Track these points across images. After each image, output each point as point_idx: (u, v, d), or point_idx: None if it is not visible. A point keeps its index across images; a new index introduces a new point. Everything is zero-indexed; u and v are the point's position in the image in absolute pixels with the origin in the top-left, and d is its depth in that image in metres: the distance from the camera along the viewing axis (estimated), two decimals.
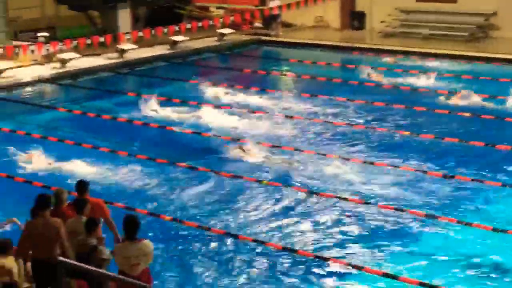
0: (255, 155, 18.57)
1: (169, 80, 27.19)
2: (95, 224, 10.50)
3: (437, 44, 31.23)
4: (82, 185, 11.78)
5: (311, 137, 20.25)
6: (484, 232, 14.25)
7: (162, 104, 23.14)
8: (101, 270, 7.49)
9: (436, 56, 29.64)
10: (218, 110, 22.49)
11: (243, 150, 18.74)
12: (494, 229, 14.26)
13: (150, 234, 13.46)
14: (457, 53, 29.70)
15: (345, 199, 15.88)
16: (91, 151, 19.05)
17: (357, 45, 32.15)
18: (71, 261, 7.61)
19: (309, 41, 33.45)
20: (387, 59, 29.61)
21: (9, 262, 10.46)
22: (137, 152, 18.92)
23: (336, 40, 33.38)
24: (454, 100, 23.21)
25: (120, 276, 8.75)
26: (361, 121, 21.59)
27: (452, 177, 16.93)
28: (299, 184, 16.79)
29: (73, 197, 11.94)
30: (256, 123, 21.52)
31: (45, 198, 10.84)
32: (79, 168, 17.65)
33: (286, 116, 22.13)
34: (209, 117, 21.86)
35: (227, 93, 24.55)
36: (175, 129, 20.99)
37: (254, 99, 24.03)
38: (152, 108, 22.64)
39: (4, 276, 10.29)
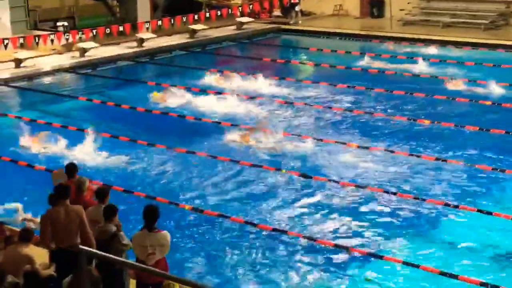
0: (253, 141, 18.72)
1: (188, 69, 27.16)
2: (114, 212, 10.53)
3: (457, 32, 31.03)
4: (71, 167, 12.08)
5: (329, 126, 20.24)
6: (505, 221, 14.20)
7: (181, 93, 23.20)
8: (119, 258, 7.51)
9: (456, 44, 29.46)
10: (236, 98, 22.47)
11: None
12: None
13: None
14: (477, 40, 29.49)
15: (364, 187, 15.85)
16: (109, 140, 19.13)
17: (376, 33, 32.00)
18: (93, 250, 7.65)
19: (329, 30, 33.34)
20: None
21: (31, 250, 10.55)
22: (156, 141, 18.94)
23: (356, 29, 33.26)
24: (453, 86, 23.31)
25: (138, 264, 8.77)
26: (379, 109, 21.56)
27: (472, 165, 16.85)
28: (317, 174, 16.77)
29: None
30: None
31: (64, 187, 10.92)
32: (97, 157, 17.76)
33: (306, 104, 22.17)
34: (230, 106, 21.91)
35: (243, 81, 24.58)
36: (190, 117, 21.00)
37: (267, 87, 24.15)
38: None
39: (25, 264, 10.37)
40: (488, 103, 21.73)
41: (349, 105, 22.09)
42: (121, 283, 10.35)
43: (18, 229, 11.29)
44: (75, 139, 18.97)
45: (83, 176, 12.01)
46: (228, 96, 22.56)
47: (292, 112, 21.62)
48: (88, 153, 17.99)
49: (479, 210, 14.56)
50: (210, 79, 25.09)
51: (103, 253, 6.97)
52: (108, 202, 11.04)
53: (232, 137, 19.17)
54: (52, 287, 10.02)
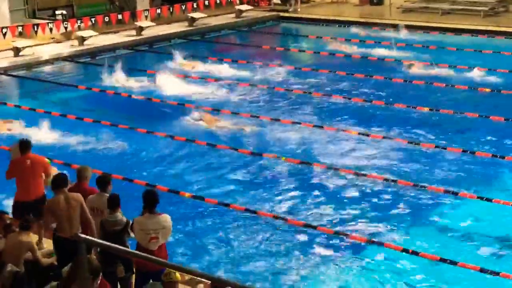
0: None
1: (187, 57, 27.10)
2: (119, 201, 10.52)
3: (456, 19, 30.97)
4: (25, 144, 12.35)
5: (330, 115, 20.25)
6: (505, 208, 14.21)
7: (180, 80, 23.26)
8: (121, 247, 7.50)
9: (456, 31, 29.40)
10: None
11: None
12: None
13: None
14: (476, 27, 29.43)
15: (364, 175, 15.86)
16: (110, 128, 19.14)
17: (376, 20, 31.92)
18: (93, 238, 7.66)
19: (328, 17, 33.25)
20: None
21: (31, 238, 10.57)
22: (154, 129, 18.96)
23: (355, 16, 33.17)
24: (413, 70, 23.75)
25: (141, 253, 8.76)
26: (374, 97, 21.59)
27: (473, 152, 16.86)
28: (316, 161, 16.79)
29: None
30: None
31: (62, 177, 10.98)
32: (97, 145, 17.80)
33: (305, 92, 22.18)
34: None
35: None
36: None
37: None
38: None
39: (26, 253, 10.39)
40: (488, 90, 21.72)
41: (346, 92, 22.10)
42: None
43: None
44: (72, 127, 19.05)
45: (84, 165, 11.96)
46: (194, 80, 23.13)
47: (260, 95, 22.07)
48: (84, 140, 18.14)
49: (479, 197, 14.57)
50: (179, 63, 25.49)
51: (103, 242, 6.95)
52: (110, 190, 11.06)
53: (195, 118, 19.71)
54: (53, 276, 10.03)
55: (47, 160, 13.34)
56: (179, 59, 25.67)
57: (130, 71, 24.57)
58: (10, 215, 12.00)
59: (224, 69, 24.79)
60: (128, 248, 9.88)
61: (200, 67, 25.16)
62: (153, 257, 6.49)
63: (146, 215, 10.14)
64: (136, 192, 11.63)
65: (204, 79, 23.72)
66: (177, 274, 9.32)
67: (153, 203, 10.14)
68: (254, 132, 18.74)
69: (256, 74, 24.26)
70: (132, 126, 19.26)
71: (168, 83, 22.78)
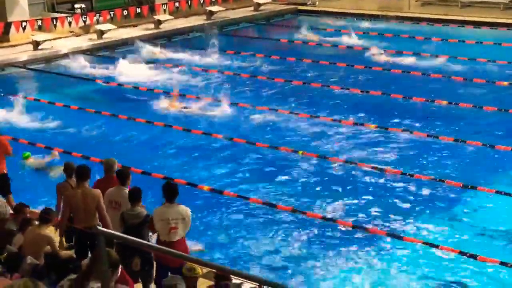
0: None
1: (204, 51, 27.09)
2: (140, 195, 10.54)
3: (475, 12, 30.78)
4: None
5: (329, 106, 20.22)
6: None
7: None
8: (141, 240, 7.51)
9: (475, 24, 29.23)
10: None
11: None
12: None
13: None
14: (496, 20, 29.23)
15: (381, 169, 15.82)
16: (126, 123, 19.26)
17: (395, 13, 31.77)
18: (111, 231, 7.69)
19: (347, 10, 33.14)
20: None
21: (50, 231, 10.62)
22: (174, 124, 19.04)
23: (374, 9, 33.03)
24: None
25: (161, 247, 8.78)
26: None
27: (493, 146, 16.77)
28: (330, 153, 16.78)
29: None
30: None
31: (84, 169, 10.99)
32: (111, 138, 18.04)
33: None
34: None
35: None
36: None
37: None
38: None
39: (45, 245, 10.44)
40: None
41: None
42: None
43: (38, 211, 11.33)
44: (89, 121, 19.17)
45: (111, 158, 11.98)
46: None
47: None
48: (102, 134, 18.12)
49: (497, 192, 14.50)
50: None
51: (120, 234, 7.00)
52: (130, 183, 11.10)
53: (162, 103, 20.58)
54: (72, 268, 10.06)
55: (6, 140, 14.12)
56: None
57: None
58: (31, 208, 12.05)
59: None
60: (149, 241, 9.92)
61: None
62: (170, 249, 6.51)
63: (165, 204, 10.20)
64: None
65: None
66: (199, 269, 9.31)
67: (172, 194, 10.18)
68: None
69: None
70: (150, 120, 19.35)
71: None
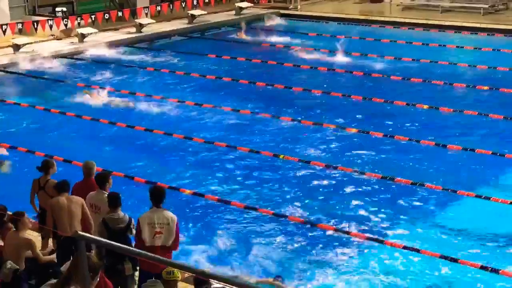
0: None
1: (186, 55, 27.09)
2: (120, 200, 10.53)
3: (456, 17, 30.97)
4: None
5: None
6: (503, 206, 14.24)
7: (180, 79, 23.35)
8: (123, 246, 7.48)
9: (455, 28, 29.40)
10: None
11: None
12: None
13: None
14: (476, 25, 29.43)
15: (362, 172, 15.87)
16: (107, 126, 19.27)
17: (376, 18, 31.91)
18: (93, 236, 7.67)
19: (328, 15, 33.22)
20: None
21: (29, 236, 10.57)
22: (156, 128, 19.04)
23: (356, 13, 33.17)
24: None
25: (143, 252, 8.75)
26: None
27: (473, 150, 16.85)
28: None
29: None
30: None
31: (66, 183, 11.13)
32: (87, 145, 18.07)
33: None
34: None
35: None
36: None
37: None
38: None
39: (26, 249, 10.39)
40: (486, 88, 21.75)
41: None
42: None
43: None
44: (73, 125, 19.09)
45: (91, 160, 11.97)
46: None
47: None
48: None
49: (477, 196, 14.58)
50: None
51: (104, 240, 6.98)
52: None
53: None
54: (52, 273, 10.04)
55: None
56: None
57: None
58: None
59: None
60: (131, 245, 9.92)
61: None
62: (159, 257, 6.52)
63: (152, 209, 10.22)
64: None
65: None
66: (178, 273, 9.30)
67: (159, 198, 10.19)
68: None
69: None
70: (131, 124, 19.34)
71: None
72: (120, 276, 10.16)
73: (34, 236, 11.37)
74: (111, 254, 10.01)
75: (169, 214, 10.22)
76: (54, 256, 10.96)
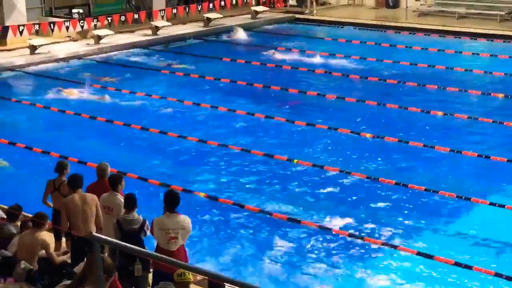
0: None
1: (202, 58, 27.12)
2: (135, 201, 10.54)
3: (472, 23, 30.87)
4: None
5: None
6: None
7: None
8: (138, 248, 7.50)
9: (471, 35, 29.32)
10: None
11: None
12: None
13: None
14: (493, 32, 29.33)
15: (376, 178, 15.83)
16: (121, 128, 19.34)
17: (391, 23, 31.87)
18: (108, 238, 7.68)
19: (344, 20, 33.19)
20: None
21: (45, 235, 10.61)
22: (170, 130, 19.06)
23: (371, 19, 33.13)
24: None
25: (158, 254, 8.78)
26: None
27: (488, 157, 16.79)
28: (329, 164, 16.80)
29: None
30: None
31: (79, 177, 11.11)
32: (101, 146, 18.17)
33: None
34: None
35: None
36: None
37: None
38: None
39: (40, 250, 10.43)
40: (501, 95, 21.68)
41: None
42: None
43: (31, 215, 11.35)
44: (83, 127, 19.16)
45: (105, 162, 12.00)
46: None
47: None
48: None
49: (491, 203, 14.52)
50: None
51: (119, 242, 7.01)
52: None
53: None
54: (66, 274, 10.06)
55: None
56: None
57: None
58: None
59: None
60: (144, 247, 9.92)
61: None
62: (172, 259, 6.51)
63: (166, 214, 10.17)
64: None
65: None
66: (190, 275, 9.31)
67: (173, 203, 10.14)
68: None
69: None
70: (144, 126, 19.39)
71: None
72: (132, 277, 10.17)
73: (48, 237, 11.38)
74: (123, 255, 10.03)
75: (183, 218, 10.17)
76: (67, 256, 10.99)
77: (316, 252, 13.05)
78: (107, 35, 28.74)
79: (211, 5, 32.40)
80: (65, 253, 11.25)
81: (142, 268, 10.22)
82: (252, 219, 14.31)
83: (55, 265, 10.54)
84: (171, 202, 10.16)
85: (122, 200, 10.75)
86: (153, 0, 33.05)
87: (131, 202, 10.43)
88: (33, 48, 26.88)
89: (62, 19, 29.28)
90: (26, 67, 25.91)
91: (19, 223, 11.15)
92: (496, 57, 26.03)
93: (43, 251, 10.47)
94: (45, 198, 12.07)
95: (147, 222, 10.33)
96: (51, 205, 12.04)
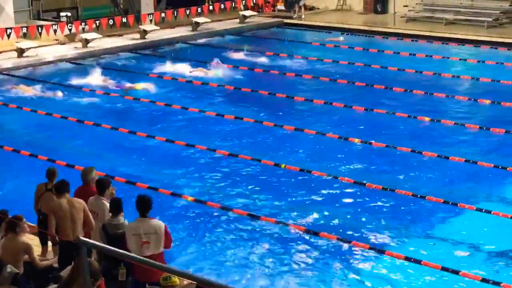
0: None
1: (190, 61, 27.10)
2: (121, 206, 10.52)
3: (460, 30, 30.98)
4: None
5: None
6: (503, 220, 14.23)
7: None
8: (120, 251, 7.47)
9: (459, 41, 29.44)
10: None
11: None
12: None
13: None
14: (480, 38, 29.45)
15: (363, 183, 15.85)
16: (110, 132, 19.30)
17: (379, 29, 31.96)
18: (94, 242, 7.66)
19: (332, 25, 33.23)
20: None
21: (25, 239, 10.56)
22: (157, 134, 19.04)
23: (359, 24, 33.20)
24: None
25: (140, 257, 8.76)
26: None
27: (475, 162, 16.85)
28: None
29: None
30: None
31: (65, 183, 11.10)
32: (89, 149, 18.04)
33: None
34: None
35: None
36: None
37: None
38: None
39: (24, 254, 10.39)
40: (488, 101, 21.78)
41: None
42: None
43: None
44: (73, 130, 19.11)
45: (89, 167, 11.97)
46: None
47: None
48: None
49: (478, 209, 14.57)
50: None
51: (105, 245, 6.99)
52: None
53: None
54: (52, 277, 10.03)
55: None
56: None
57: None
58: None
59: None
60: (129, 251, 9.89)
61: None
62: (159, 263, 6.51)
63: (137, 219, 10.16)
64: None
65: None
66: (176, 278, 9.30)
67: (145, 208, 10.10)
68: None
69: None
70: (133, 130, 19.38)
71: None
72: (117, 281, 10.14)
73: (32, 239, 11.35)
74: (107, 259, 10.01)
75: (156, 222, 10.12)
76: (52, 261, 10.94)
77: (303, 255, 13.06)
78: (95, 38, 28.69)
79: (199, 9, 32.40)
80: (51, 258, 11.20)
81: (127, 273, 10.20)
82: (238, 222, 14.31)
83: (38, 269, 10.50)
84: (143, 207, 10.11)
85: (108, 205, 10.74)
86: (142, 4, 33.06)
87: (116, 207, 10.41)
88: (20, 51, 26.81)
89: (50, 23, 29.23)
90: (14, 70, 25.83)
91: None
92: (483, 63, 26.13)
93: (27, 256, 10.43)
94: (37, 202, 11.95)
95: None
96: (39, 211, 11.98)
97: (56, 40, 28.99)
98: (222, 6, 33.19)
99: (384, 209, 14.84)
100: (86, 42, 28.49)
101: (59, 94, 22.96)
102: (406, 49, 28.47)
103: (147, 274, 9.89)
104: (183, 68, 25.70)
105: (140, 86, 23.51)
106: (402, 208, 14.88)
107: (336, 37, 29.51)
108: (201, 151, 17.95)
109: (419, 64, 25.95)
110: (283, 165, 16.89)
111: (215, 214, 14.69)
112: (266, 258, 13.03)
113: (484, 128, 19.26)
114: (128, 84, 23.65)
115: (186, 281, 10.35)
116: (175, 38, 30.90)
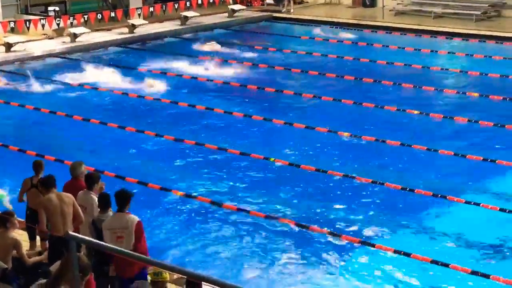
0: None
1: (178, 56, 27.04)
2: (109, 201, 10.49)
3: (448, 23, 31.02)
4: None
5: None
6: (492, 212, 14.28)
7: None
8: (108, 245, 7.46)
9: (447, 34, 29.46)
10: None
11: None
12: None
13: None
14: (469, 31, 29.48)
15: (353, 177, 15.86)
16: (98, 127, 19.24)
17: (368, 23, 31.96)
18: (83, 237, 7.63)
19: (321, 18, 33.21)
20: None
21: (15, 235, 10.51)
22: (146, 128, 19.01)
23: (348, 18, 33.18)
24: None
25: (127, 251, 8.73)
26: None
27: (464, 156, 16.88)
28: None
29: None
30: None
31: (51, 177, 11.08)
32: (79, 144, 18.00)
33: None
34: None
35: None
36: None
37: None
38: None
39: (12, 249, 10.35)
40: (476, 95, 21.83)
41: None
42: None
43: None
44: (62, 126, 19.03)
45: (78, 161, 11.93)
46: None
47: None
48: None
49: (467, 202, 14.60)
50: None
51: (95, 240, 6.96)
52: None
53: None
54: (41, 273, 9.98)
55: None
56: None
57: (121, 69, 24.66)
58: None
59: None
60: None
61: None
62: (151, 259, 6.50)
63: (114, 213, 10.16)
64: None
65: None
66: (167, 274, 9.28)
67: (121, 202, 10.07)
68: None
69: None
70: (123, 125, 19.32)
71: None
72: (106, 277, 10.11)
73: (21, 234, 11.32)
74: (97, 255, 9.97)
75: (129, 217, 10.04)
76: (41, 257, 10.91)
77: (293, 249, 13.07)
78: (83, 33, 28.59)
79: (188, 3, 32.32)
80: (40, 253, 11.16)
81: None
82: (229, 217, 14.31)
83: (28, 264, 10.47)
84: (120, 202, 10.08)
85: (96, 200, 10.71)
86: None
87: (105, 202, 10.39)
88: (8, 46, 26.69)
89: (38, 17, 29.12)
90: (2, 65, 25.72)
91: None
92: (472, 56, 26.16)
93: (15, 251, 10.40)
94: (21, 196, 12.00)
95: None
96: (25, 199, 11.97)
97: (44, 34, 28.87)
98: (211, 0, 33.10)
99: (374, 203, 14.85)
100: (74, 36, 28.39)
101: (48, 88, 22.87)
102: (394, 42, 28.46)
103: (121, 268, 9.88)
104: (175, 63, 25.61)
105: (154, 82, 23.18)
106: (392, 201, 14.89)
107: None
108: (190, 145, 17.91)
109: (408, 57, 25.95)
110: (272, 159, 16.88)
111: (204, 209, 14.66)
112: (256, 252, 13.03)
113: (473, 121, 19.29)
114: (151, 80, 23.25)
115: (176, 276, 10.35)
116: (163, 32, 30.81)
